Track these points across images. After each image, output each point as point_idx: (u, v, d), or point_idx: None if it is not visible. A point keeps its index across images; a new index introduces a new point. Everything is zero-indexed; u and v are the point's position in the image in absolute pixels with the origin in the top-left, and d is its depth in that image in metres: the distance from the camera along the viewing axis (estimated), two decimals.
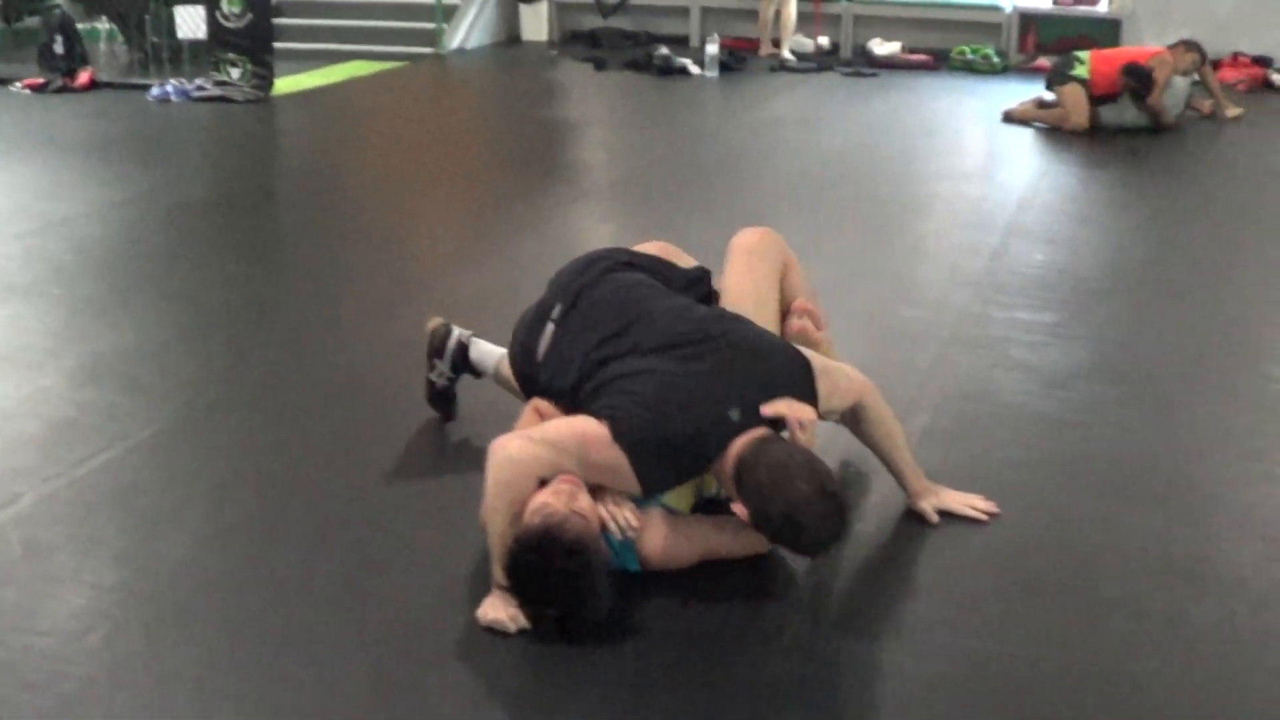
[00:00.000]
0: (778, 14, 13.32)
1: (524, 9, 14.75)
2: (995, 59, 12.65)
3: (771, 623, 3.49)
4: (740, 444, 3.53)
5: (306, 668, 3.27)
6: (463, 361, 4.55)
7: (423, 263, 6.76)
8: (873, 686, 3.28)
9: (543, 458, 3.49)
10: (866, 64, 12.80)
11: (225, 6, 11.17)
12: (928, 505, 3.98)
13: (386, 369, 5.15)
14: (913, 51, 13.05)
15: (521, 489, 3.45)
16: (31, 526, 3.97)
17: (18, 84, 11.74)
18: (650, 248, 4.31)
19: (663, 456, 3.53)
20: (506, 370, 4.27)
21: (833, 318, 5.31)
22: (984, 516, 3.98)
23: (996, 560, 3.79)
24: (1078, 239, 7.14)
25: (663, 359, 3.68)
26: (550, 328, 3.92)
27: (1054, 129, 9.93)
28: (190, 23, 11.73)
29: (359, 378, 5.13)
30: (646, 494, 3.59)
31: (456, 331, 4.56)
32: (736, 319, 3.90)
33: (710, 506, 3.85)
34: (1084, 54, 10.08)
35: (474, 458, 3.88)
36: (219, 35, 11.26)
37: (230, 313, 5.94)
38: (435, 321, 4.60)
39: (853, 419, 3.94)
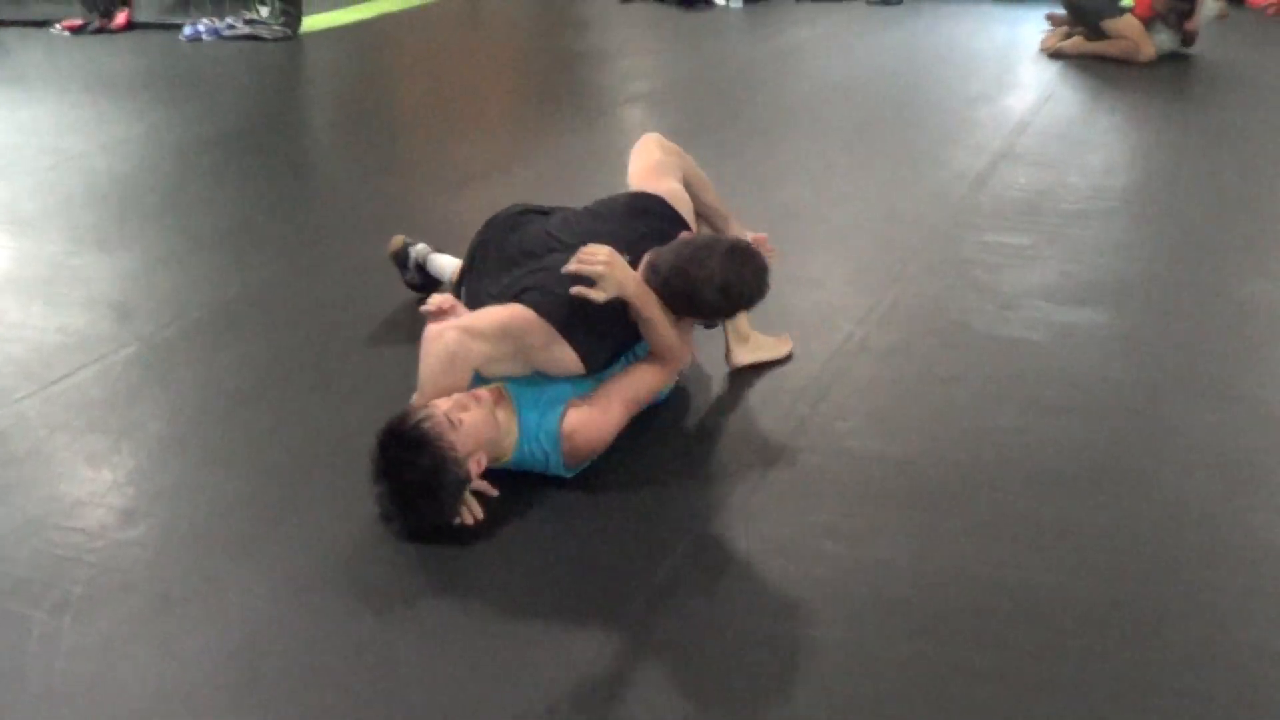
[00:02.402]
0: None
1: None
2: None
3: (665, 531, 3.66)
4: (640, 266, 3.88)
5: (232, 573, 3.50)
6: (422, 274, 4.95)
7: (421, 188, 6.94)
8: (753, 589, 3.41)
9: (479, 351, 3.71)
10: None
11: None
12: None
13: (361, 288, 5.35)
14: None
15: (455, 382, 3.67)
16: (2, 440, 4.21)
17: (57, 25, 11.99)
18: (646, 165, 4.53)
19: (588, 323, 3.77)
20: None
21: (802, 232, 5.51)
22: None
23: (894, 470, 3.94)
24: (1068, 163, 7.16)
25: (554, 256, 3.94)
26: (465, 278, 4.26)
27: (1117, 62, 9.70)
28: None
29: (334, 298, 5.33)
30: (589, 370, 3.83)
31: (414, 250, 4.84)
32: (604, 202, 4.28)
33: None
34: None
35: None
36: None
37: (221, 239, 6.15)
38: (395, 241, 4.89)
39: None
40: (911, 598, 3.32)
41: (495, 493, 3.69)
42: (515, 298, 3.82)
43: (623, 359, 4.02)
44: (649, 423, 4.13)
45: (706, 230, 4.55)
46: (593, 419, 3.77)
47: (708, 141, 7.61)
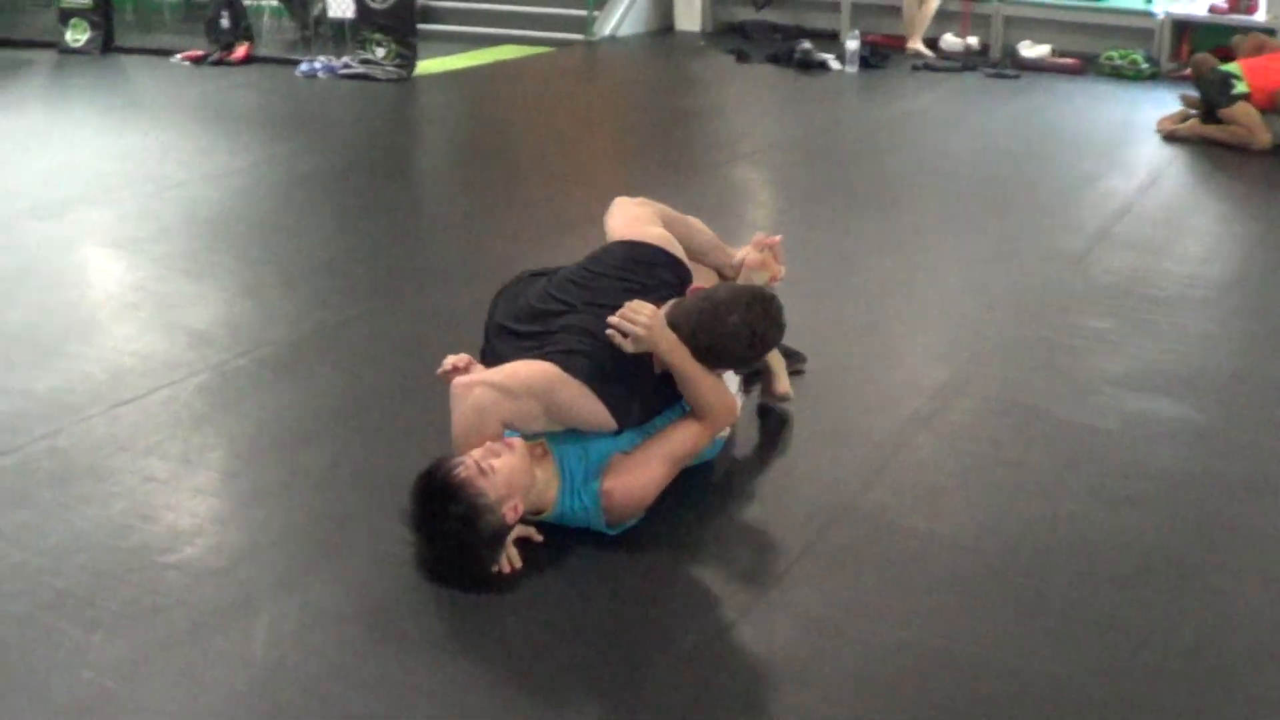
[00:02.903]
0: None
1: None
2: (1143, 65, 12.47)
3: (699, 596, 3.66)
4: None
5: (265, 606, 3.52)
6: None
7: (515, 236, 6.97)
8: (776, 664, 3.36)
9: (507, 406, 3.71)
10: (1012, 65, 12.70)
11: None
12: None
13: (435, 334, 5.36)
14: (1062, 55, 12.92)
15: (484, 435, 3.67)
16: (61, 459, 4.28)
17: (178, 56, 12.26)
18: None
19: (617, 378, 3.78)
20: None
21: (886, 304, 5.69)
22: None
23: (941, 551, 3.88)
24: (1166, 249, 7.04)
25: (568, 318, 3.93)
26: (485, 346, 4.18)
27: (1231, 148, 9.49)
28: (340, 2, 12.09)
29: (408, 342, 5.37)
30: (621, 426, 3.81)
31: None
32: (600, 258, 4.22)
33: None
34: (1233, 67, 9.82)
35: None
36: (365, 15, 11.65)
37: (306, 274, 6.26)
38: None
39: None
40: (937, 684, 3.25)
41: (540, 538, 3.71)
42: (542, 358, 3.82)
43: (667, 414, 3.99)
44: (697, 484, 4.12)
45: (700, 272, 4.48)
46: (632, 478, 3.76)
47: (807, 205, 7.71)
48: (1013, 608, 3.58)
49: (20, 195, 7.50)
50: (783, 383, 4.62)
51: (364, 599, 3.54)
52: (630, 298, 3.88)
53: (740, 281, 4.35)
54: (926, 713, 3.14)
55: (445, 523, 3.50)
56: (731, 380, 4.32)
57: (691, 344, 3.81)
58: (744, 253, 4.50)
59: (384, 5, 11.55)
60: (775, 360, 4.58)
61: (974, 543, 3.92)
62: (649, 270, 4.09)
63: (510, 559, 3.63)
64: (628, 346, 3.75)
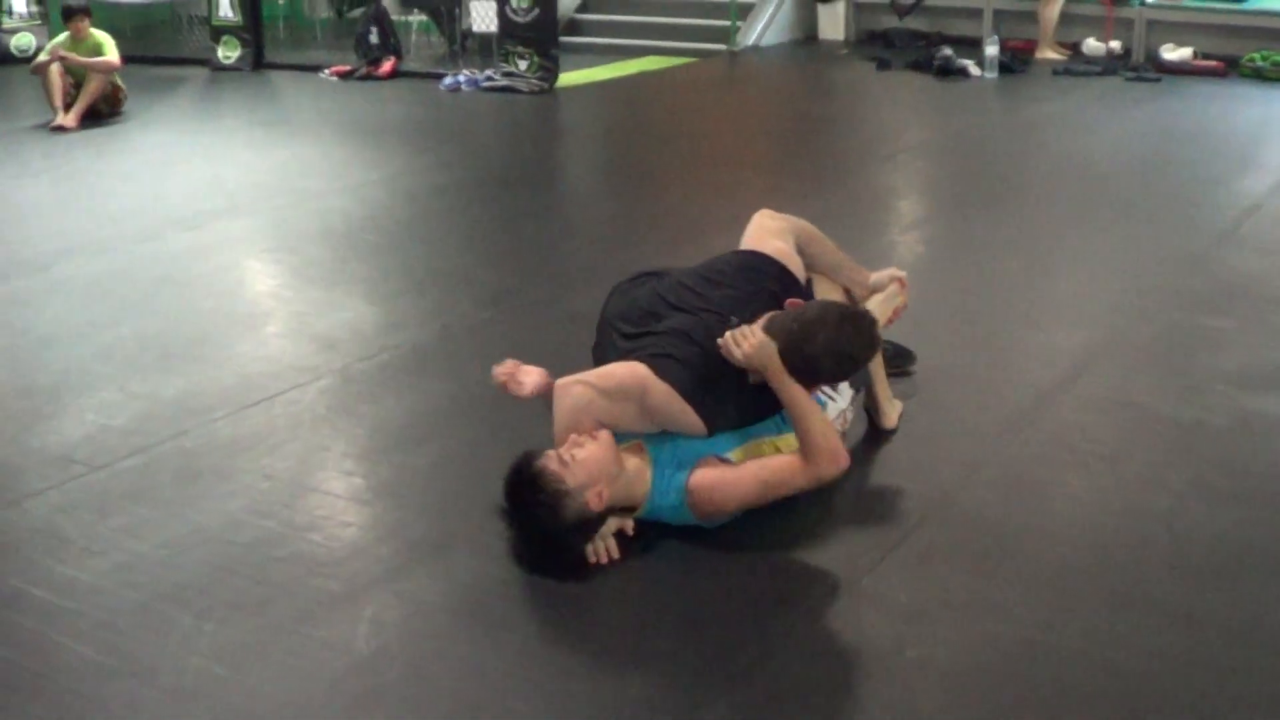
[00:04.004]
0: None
1: (821, 8, 14.98)
2: None
3: (790, 588, 3.73)
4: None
5: (369, 598, 3.68)
6: None
7: (645, 242, 7.12)
8: (859, 656, 3.43)
9: (602, 406, 3.84)
10: (1154, 69, 12.56)
11: (514, 1, 11.76)
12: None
13: (555, 338, 5.47)
14: (1205, 58, 12.74)
15: (580, 433, 3.80)
16: (186, 459, 4.49)
17: (326, 71, 12.59)
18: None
19: (708, 383, 3.85)
20: None
21: (1003, 304, 5.77)
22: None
23: (1033, 543, 3.92)
24: None
25: (674, 319, 4.03)
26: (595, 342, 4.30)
27: None
28: (483, 16, 12.33)
29: (528, 347, 5.40)
30: (711, 430, 3.89)
31: None
32: (714, 264, 4.30)
33: None
34: None
35: None
36: (508, 28, 11.87)
37: (433, 281, 6.46)
38: None
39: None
40: (1023, 675, 3.29)
41: (632, 532, 3.82)
42: (637, 360, 3.92)
43: (765, 424, 4.06)
44: None
45: (826, 285, 4.52)
46: (720, 481, 3.83)
47: (937, 207, 7.84)
48: (1104, 601, 3.61)
49: (165, 206, 7.81)
50: (887, 418, 4.62)
51: (465, 592, 3.68)
52: (728, 303, 3.98)
53: (869, 304, 4.37)
54: (1011, 703, 3.19)
55: (529, 511, 3.66)
56: (845, 392, 4.38)
57: (783, 361, 3.87)
58: (878, 277, 4.55)
59: (526, 18, 11.75)
60: (883, 394, 4.60)
61: (1068, 537, 3.95)
62: (750, 277, 4.17)
63: (609, 549, 3.74)
64: (732, 358, 3.83)
